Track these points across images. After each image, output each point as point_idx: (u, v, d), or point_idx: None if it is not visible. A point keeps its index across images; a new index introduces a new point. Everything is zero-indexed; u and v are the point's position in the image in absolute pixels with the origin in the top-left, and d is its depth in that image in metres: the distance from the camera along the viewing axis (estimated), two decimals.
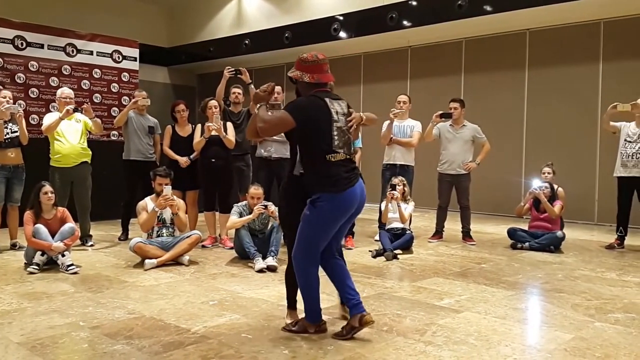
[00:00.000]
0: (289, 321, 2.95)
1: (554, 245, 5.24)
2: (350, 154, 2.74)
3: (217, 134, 5.16)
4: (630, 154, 5.31)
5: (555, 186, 5.59)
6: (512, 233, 5.52)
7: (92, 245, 5.22)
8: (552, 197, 5.45)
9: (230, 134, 5.29)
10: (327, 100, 2.68)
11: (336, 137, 2.64)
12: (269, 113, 2.70)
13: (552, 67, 7.76)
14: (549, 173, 5.58)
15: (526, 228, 5.61)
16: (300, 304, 2.92)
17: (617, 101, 5.30)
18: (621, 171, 5.41)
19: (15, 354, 2.54)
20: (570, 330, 2.95)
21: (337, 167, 2.63)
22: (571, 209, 6.66)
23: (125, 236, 5.57)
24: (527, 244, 5.32)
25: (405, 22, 8.22)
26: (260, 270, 4.21)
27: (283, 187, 2.95)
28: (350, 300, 2.78)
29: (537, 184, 5.49)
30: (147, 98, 5.63)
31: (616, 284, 4.02)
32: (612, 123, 5.49)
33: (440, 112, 5.56)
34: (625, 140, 5.38)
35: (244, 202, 4.75)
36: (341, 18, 8.97)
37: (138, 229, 4.81)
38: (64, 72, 8.02)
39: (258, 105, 2.77)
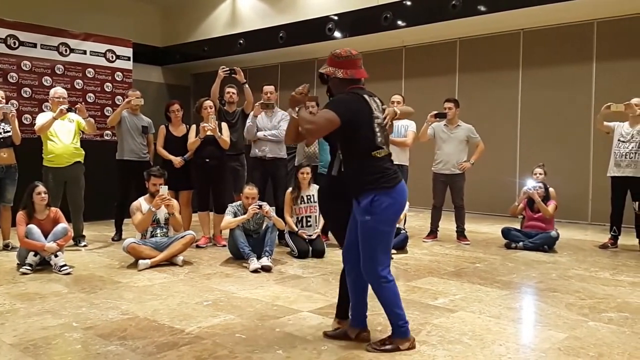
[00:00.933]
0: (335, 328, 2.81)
1: (547, 245, 5.27)
2: (387, 148, 2.66)
3: (212, 134, 5.14)
4: (624, 153, 5.34)
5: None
6: (506, 233, 5.53)
7: (85, 246, 5.19)
8: (546, 197, 5.47)
9: (225, 134, 5.27)
10: (366, 96, 2.61)
11: (378, 133, 2.58)
12: (299, 113, 2.59)
13: (546, 67, 7.80)
14: (540, 174, 5.60)
15: (520, 227, 5.64)
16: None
17: (611, 101, 5.33)
18: (615, 171, 5.43)
19: (8, 355, 2.52)
20: (564, 330, 2.96)
21: (384, 162, 2.57)
22: (565, 209, 6.70)
23: (118, 236, 5.54)
24: (521, 243, 5.34)
25: (399, 22, 8.23)
26: (255, 271, 4.20)
27: (320, 187, 2.96)
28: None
29: (531, 183, 5.51)
30: (140, 98, 5.61)
31: (610, 283, 4.04)
32: (605, 123, 5.51)
33: (435, 112, 5.57)
34: (618, 140, 5.41)
35: (239, 202, 4.73)
36: (336, 18, 8.97)
37: (132, 229, 4.79)
38: (57, 72, 7.98)
39: (297, 107, 2.65)
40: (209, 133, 5.13)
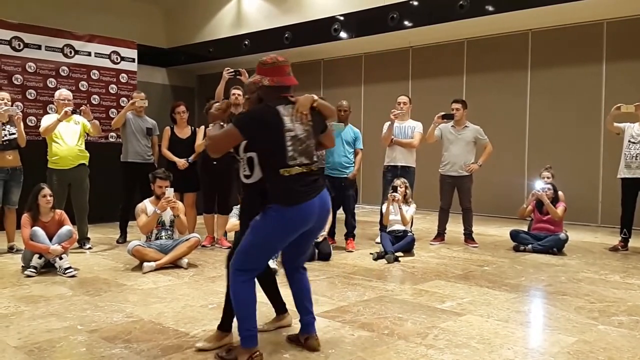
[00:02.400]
0: (209, 344, 2.64)
1: (557, 248, 5.20)
2: (312, 163, 2.49)
3: None
4: (634, 154, 5.27)
5: None
6: (514, 235, 5.46)
7: (90, 248, 5.18)
8: (555, 198, 5.40)
9: None
10: (279, 108, 2.46)
11: (290, 148, 2.42)
12: (209, 129, 2.57)
13: (554, 68, 7.72)
14: (548, 177, 5.53)
15: (528, 230, 5.57)
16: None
17: (621, 102, 5.26)
18: (625, 172, 5.36)
19: (13, 357, 2.51)
20: (574, 333, 2.91)
21: (292, 182, 2.42)
22: (574, 211, 6.61)
23: (123, 239, 5.53)
24: (529, 246, 5.27)
25: (406, 23, 8.18)
26: None
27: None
28: (304, 317, 2.71)
29: (539, 185, 5.44)
30: (145, 99, 5.60)
31: (620, 286, 3.98)
32: (615, 124, 5.44)
33: (442, 113, 5.52)
34: (629, 141, 5.34)
35: None
36: (342, 18, 8.94)
37: (136, 231, 4.77)
38: (62, 74, 8.00)
39: (213, 124, 2.66)
40: None
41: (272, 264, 4.24)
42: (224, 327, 2.71)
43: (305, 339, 2.66)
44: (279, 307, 2.99)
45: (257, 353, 2.44)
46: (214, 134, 2.57)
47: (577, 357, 2.57)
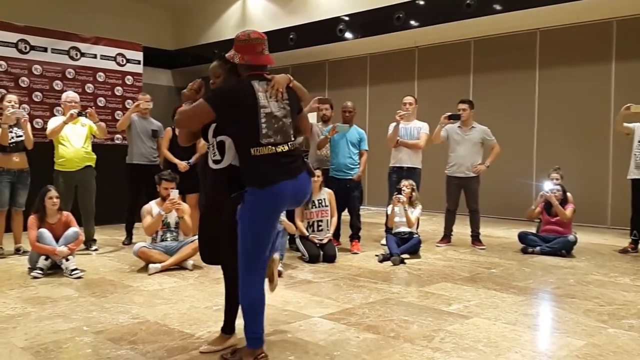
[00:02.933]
0: (213, 347, 2.60)
1: (565, 250, 5.14)
2: (287, 143, 2.37)
3: None
4: None
5: None
6: (522, 237, 5.40)
7: (96, 250, 5.20)
8: (564, 200, 5.33)
9: None
10: (254, 83, 2.34)
11: (264, 126, 2.30)
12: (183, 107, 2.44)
13: (563, 67, 7.65)
14: (557, 178, 5.47)
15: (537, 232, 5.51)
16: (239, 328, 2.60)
17: (631, 102, 5.19)
18: (635, 173, 5.30)
19: (20, 358, 2.53)
20: (583, 337, 2.87)
21: (264, 162, 2.30)
22: (584, 213, 6.52)
23: (129, 240, 5.55)
24: (538, 248, 5.21)
25: (412, 22, 8.14)
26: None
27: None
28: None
29: (548, 186, 5.38)
30: (149, 101, 5.62)
31: (630, 289, 3.93)
32: (625, 124, 5.37)
33: (449, 113, 5.48)
34: (639, 141, 5.27)
35: None
36: (347, 18, 8.92)
37: (142, 233, 4.78)
38: (68, 76, 8.04)
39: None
40: None
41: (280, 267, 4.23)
42: (227, 329, 2.68)
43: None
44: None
45: (262, 354, 2.41)
46: (183, 109, 2.46)
47: None
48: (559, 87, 7.67)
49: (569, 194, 5.44)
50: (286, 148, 2.36)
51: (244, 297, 2.39)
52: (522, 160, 7.95)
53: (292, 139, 2.42)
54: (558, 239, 5.19)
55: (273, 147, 2.33)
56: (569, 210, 5.28)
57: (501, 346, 2.71)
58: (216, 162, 2.50)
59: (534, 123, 7.96)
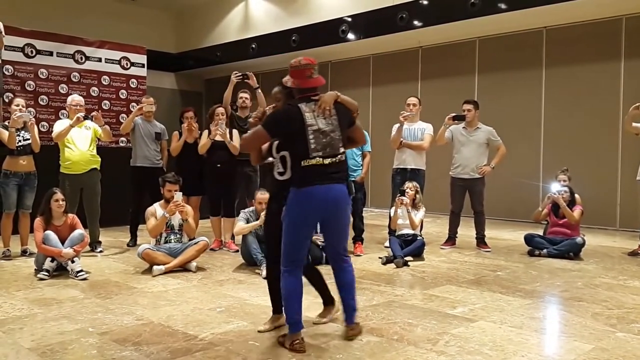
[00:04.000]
0: (266, 327, 2.99)
1: (573, 252, 5.08)
2: (334, 155, 2.71)
3: (222, 139, 5.17)
4: None
5: None
6: (529, 239, 5.35)
7: (101, 252, 5.23)
8: (572, 201, 5.28)
9: (236, 140, 5.28)
10: (301, 106, 2.71)
11: (312, 141, 2.67)
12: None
13: (570, 66, 7.58)
14: (564, 180, 5.43)
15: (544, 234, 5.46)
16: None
17: None
18: None
19: (26, 359, 2.55)
20: (590, 341, 2.84)
21: (310, 171, 2.67)
22: (592, 214, 6.45)
23: (133, 242, 5.57)
24: (545, 250, 5.16)
25: (415, 22, 8.11)
26: None
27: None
28: (344, 309, 2.90)
29: (555, 188, 5.32)
30: (153, 104, 5.65)
31: (639, 292, 3.88)
32: (634, 124, 5.28)
33: (453, 114, 5.45)
34: None
35: (251, 208, 4.70)
36: (349, 19, 8.91)
37: (146, 235, 4.80)
38: (73, 79, 8.09)
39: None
40: (219, 138, 5.15)
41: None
42: (275, 310, 3.02)
43: (344, 329, 2.86)
44: (326, 299, 3.16)
45: (298, 340, 2.68)
46: (245, 135, 2.88)
47: None
48: (566, 87, 7.61)
49: (577, 196, 5.38)
50: (332, 160, 2.70)
51: (282, 287, 2.76)
52: (529, 161, 7.89)
53: (340, 151, 2.74)
54: (565, 241, 5.14)
55: (321, 159, 2.68)
56: (576, 212, 5.23)
57: (507, 350, 2.68)
58: (280, 174, 2.82)
59: (540, 123, 7.90)
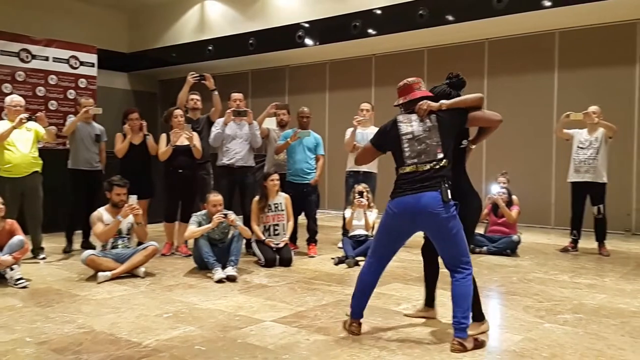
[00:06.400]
0: (412, 313, 3.33)
1: (510, 249, 5.37)
2: (431, 162, 2.80)
3: (182, 143, 5.07)
4: (583, 160, 5.49)
5: None
6: None
7: (44, 258, 5.03)
8: (510, 202, 5.58)
9: (198, 144, 5.20)
10: (398, 117, 2.98)
11: (407, 149, 2.85)
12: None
13: (511, 76, 7.95)
14: (503, 183, 5.72)
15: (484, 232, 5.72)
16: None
17: (570, 110, 5.47)
18: (574, 176, 5.57)
19: None
20: (520, 332, 3.02)
21: (402, 178, 2.87)
22: (529, 214, 6.85)
23: (70, 247, 5.39)
24: (484, 248, 5.43)
25: (369, 31, 8.32)
26: (219, 281, 4.14)
27: None
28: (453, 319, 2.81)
29: (495, 189, 5.61)
30: (98, 107, 5.50)
31: (568, 285, 4.15)
32: (565, 130, 5.67)
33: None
34: (577, 146, 5.55)
35: (203, 211, 4.67)
36: (306, 25, 9.01)
37: (79, 239, 4.66)
38: (18, 79, 7.79)
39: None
40: (185, 142, 5.05)
41: (232, 270, 4.24)
42: (428, 301, 3.31)
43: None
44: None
45: (355, 324, 2.97)
46: (358, 151, 3.43)
47: (522, 354, 2.67)
48: (505, 96, 7.94)
49: (514, 197, 5.68)
50: (427, 167, 2.80)
51: (359, 274, 3.03)
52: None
53: (437, 157, 2.81)
54: (503, 239, 5.43)
55: (415, 166, 2.83)
56: (514, 211, 5.53)
57: (445, 342, 2.82)
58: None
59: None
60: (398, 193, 2.83)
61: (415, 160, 2.81)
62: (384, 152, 3.06)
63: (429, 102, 2.91)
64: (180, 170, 5.14)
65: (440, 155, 2.79)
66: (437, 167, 2.78)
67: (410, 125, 2.88)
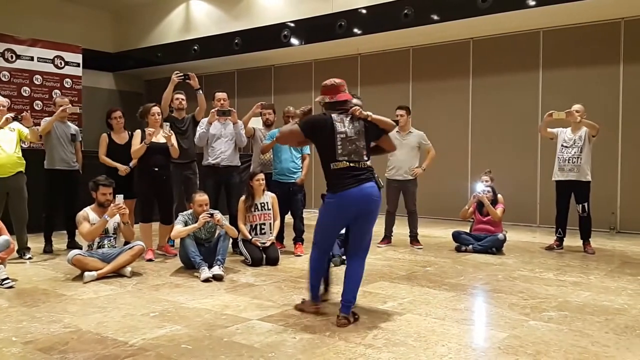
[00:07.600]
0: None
1: (496, 247, 5.43)
2: (359, 160, 3.11)
3: (157, 141, 4.98)
4: (567, 158, 5.56)
5: None
6: (456, 236, 5.67)
7: (30, 258, 4.99)
8: (494, 200, 5.64)
9: (176, 143, 5.14)
10: (333, 115, 3.15)
11: (340, 147, 3.09)
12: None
13: (498, 76, 8.03)
14: (487, 181, 5.78)
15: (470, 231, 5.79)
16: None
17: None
18: (558, 175, 5.64)
19: None
20: (505, 329, 3.06)
21: (339, 173, 3.09)
22: (515, 212, 6.94)
23: (50, 248, 5.34)
24: (470, 246, 5.49)
25: (355, 30, 8.36)
26: (206, 280, 4.14)
27: None
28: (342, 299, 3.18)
29: (480, 188, 5.67)
30: (74, 105, 5.46)
31: (553, 283, 4.20)
32: (549, 129, 5.73)
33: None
34: (562, 145, 5.61)
35: (190, 211, 4.66)
36: (292, 25, 9.02)
37: (60, 239, 4.61)
38: (3, 79, 7.70)
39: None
40: (163, 140, 4.99)
41: (218, 270, 4.24)
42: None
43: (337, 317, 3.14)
44: (325, 286, 3.57)
45: (318, 307, 3.30)
46: (283, 128, 3.51)
47: (507, 351, 2.70)
48: (490, 95, 8.07)
49: (499, 195, 5.74)
50: (360, 165, 3.10)
51: (310, 263, 3.31)
52: (457, 162, 8.27)
53: (364, 158, 3.14)
54: (489, 237, 5.48)
55: (347, 163, 3.08)
56: (499, 210, 5.60)
57: (430, 340, 2.86)
58: None
59: (468, 128, 8.30)
60: (342, 187, 3.07)
61: (346, 158, 3.09)
62: (310, 142, 3.32)
63: (360, 109, 3.17)
64: (156, 169, 5.00)
65: (365, 158, 3.16)
66: (366, 165, 3.14)
67: (343, 125, 3.13)
